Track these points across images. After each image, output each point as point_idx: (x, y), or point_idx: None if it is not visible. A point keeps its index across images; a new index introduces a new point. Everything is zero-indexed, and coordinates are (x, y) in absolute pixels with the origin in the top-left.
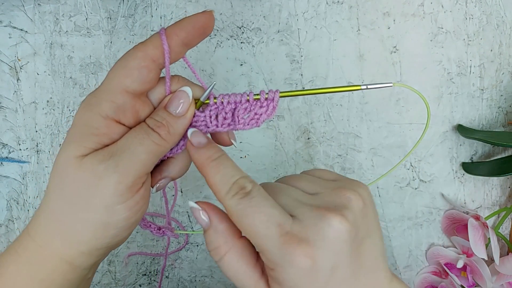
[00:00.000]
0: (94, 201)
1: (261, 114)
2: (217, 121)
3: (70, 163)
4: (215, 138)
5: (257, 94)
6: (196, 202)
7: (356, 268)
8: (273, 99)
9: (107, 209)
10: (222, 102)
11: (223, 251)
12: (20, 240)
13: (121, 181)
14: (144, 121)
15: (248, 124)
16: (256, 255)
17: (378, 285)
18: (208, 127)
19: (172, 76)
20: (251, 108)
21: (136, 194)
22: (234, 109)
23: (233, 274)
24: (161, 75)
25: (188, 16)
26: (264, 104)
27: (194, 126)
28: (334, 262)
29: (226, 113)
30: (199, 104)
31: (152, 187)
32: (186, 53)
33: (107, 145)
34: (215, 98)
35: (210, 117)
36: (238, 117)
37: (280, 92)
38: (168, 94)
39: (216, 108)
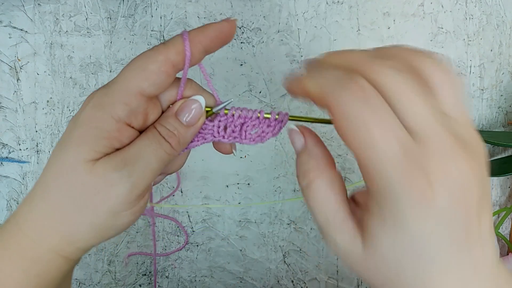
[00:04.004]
0: (102, 206)
1: (267, 133)
2: (225, 132)
3: (81, 166)
4: (217, 146)
5: (268, 113)
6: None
7: (470, 233)
8: (281, 121)
9: (113, 214)
10: (233, 115)
11: (313, 176)
12: (9, 234)
13: (133, 191)
14: (153, 125)
15: (253, 140)
16: (345, 193)
17: (488, 263)
18: (215, 137)
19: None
20: (259, 125)
21: (141, 200)
22: (243, 123)
23: (317, 203)
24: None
25: (213, 23)
26: (273, 124)
27: (201, 133)
28: (451, 209)
29: (235, 126)
30: (210, 114)
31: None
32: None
33: (117, 149)
34: (226, 109)
35: (219, 127)
36: (245, 131)
37: (290, 116)
38: (180, 99)
39: (225, 119)
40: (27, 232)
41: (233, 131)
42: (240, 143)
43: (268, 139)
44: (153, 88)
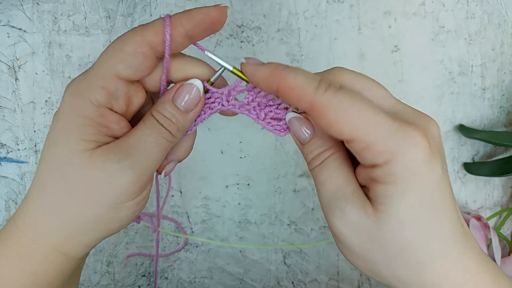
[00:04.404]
0: (104, 198)
1: (276, 129)
2: (236, 101)
3: (76, 157)
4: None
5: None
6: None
7: (449, 179)
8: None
9: (116, 206)
10: (253, 89)
11: (327, 153)
12: (7, 232)
13: (135, 181)
14: (150, 112)
15: (269, 123)
16: (353, 169)
17: (460, 225)
18: (223, 105)
19: (174, 55)
20: (276, 115)
21: (145, 190)
22: (264, 106)
23: (330, 176)
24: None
25: (199, 7)
26: (284, 125)
27: (206, 104)
28: (442, 159)
29: (252, 99)
30: (210, 84)
31: (160, 173)
32: (189, 45)
33: (111, 136)
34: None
35: (229, 95)
36: (260, 109)
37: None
38: (164, 87)
39: (237, 88)
40: (24, 230)
41: (247, 104)
42: (254, 119)
43: (274, 130)
44: (129, 70)
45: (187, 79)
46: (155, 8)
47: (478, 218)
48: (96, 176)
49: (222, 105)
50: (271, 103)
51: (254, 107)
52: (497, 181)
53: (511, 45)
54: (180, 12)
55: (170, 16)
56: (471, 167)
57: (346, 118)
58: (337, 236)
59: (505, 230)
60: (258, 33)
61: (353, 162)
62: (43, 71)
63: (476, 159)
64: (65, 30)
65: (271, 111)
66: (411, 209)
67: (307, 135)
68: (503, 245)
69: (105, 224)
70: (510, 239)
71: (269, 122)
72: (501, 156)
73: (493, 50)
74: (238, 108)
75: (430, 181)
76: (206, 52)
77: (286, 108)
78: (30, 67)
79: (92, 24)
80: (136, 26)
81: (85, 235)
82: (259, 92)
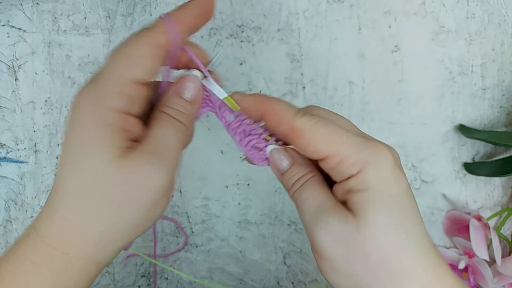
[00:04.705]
0: (141, 201)
1: (255, 157)
2: (219, 110)
3: (109, 167)
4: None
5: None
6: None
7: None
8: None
9: (153, 206)
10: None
11: (308, 176)
12: (35, 249)
13: (166, 180)
14: (160, 110)
15: (246, 147)
16: (330, 190)
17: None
18: (210, 106)
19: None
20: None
21: (172, 185)
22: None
23: (311, 194)
24: None
25: (191, 1)
26: (262, 155)
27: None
28: (404, 177)
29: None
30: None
31: None
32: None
33: (132, 140)
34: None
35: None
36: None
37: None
38: (167, 84)
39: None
40: (56, 246)
41: (235, 128)
42: (237, 144)
43: (258, 162)
44: (146, 73)
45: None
46: (155, 8)
47: (478, 218)
48: (132, 181)
49: (216, 112)
50: (253, 132)
51: (239, 133)
52: (497, 181)
53: (511, 45)
54: (177, 8)
55: (169, 15)
56: (471, 167)
57: (321, 136)
58: (321, 251)
59: (505, 230)
60: (258, 33)
61: (329, 184)
62: (43, 71)
63: (476, 159)
64: (65, 30)
65: (253, 139)
66: (386, 213)
67: (286, 165)
68: (503, 245)
69: (141, 226)
70: (510, 239)
71: (249, 150)
72: (501, 156)
73: (493, 50)
74: (227, 126)
75: (399, 188)
76: (208, 79)
77: (266, 140)
78: (29, 67)
79: (92, 24)
80: (139, 29)
81: (121, 241)
82: (244, 120)
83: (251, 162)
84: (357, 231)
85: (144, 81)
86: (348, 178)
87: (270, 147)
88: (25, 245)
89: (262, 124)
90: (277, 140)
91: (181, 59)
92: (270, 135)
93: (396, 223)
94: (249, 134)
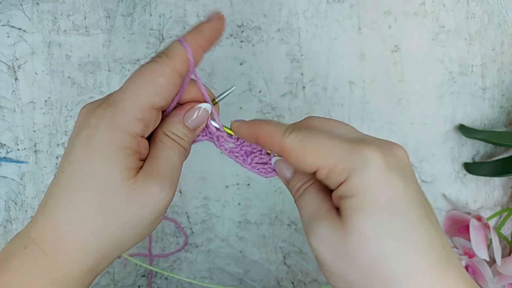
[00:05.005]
0: (148, 218)
1: (262, 172)
2: (217, 140)
3: (121, 187)
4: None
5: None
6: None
7: (425, 205)
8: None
9: (154, 221)
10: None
11: (308, 184)
12: (35, 261)
13: (169, 199)
14: (165, 133)
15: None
16: (330, 196)
17: (439, 231)
18: (211, 138)
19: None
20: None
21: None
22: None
23: (309, 200)
24: None
25: (204, 23)
26: (268, 168)
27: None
28: (404, 176)
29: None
30: (214, 103)
31: None
32: None
33: (140, 160)
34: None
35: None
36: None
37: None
38: (174, 106)
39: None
40: (57, 259)
41: (236, 152)
42: (240, 164)
43: (266, 175)
44: (164, 101)
45: (192, 101)
46: (155, 8)
47: (478, 218)
48: (142, 200)
49: (215, 142)
50: (255, 150)
51: (241, 154)
52: (497, 181)
53: (511, 45)
54: (191, 32)
55: (185, 39)
56: (471, 167)
57: (307, 151)
58: (316, 257)
59: (505, 230)
60: (258, 33)
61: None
62: (43, 71)
63: (476, 159)
64: (65, 30)
65: (256, 157)
66: (372, 220)
67: (289, 174)
68: (503, 245)
69: (140, 238)
70: (510, 239)
71: (254, 166)
72: (501, 156)
73: (493, 50)
74: (228, 153)
75: (390, 192)
76: (211, 121)
77: (268, 154)
78: (29, 67)
79: (91, 24)
80: (158, 54)
81: (119, 252)
82: (244, 143)
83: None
84: (344, 238)
85: (163, 108)
86: (339, 185)
87: (274, 159)
88: (23, 257)
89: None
90: None
91: (189, 91)
92: None
93: (383, 231)
94: (252, 153)
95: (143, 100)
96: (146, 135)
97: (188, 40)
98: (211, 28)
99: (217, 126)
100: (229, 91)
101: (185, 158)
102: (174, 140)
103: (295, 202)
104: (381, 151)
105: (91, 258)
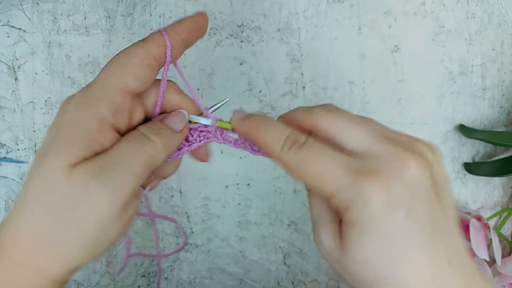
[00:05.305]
0: (86, 219)
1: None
2: (224, 136)
3: (58, 174)
4: (193, 153)
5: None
6: None
7: (435, 224)
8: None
9: (100, 228)
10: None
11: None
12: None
13: (115, 199)
14: (136, 128)
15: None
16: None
17: (459, 253)
18: (217, 139)
19: (171, 88)
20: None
21: (130, 209)
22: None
23: (316, 204)
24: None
25: (187, 17)
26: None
27: (203, 132)
28: (411, 204)
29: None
30: (201, 115)
31: (144, 188)
32: (181, 56)
33: (98, 154)
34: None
35: (222, 133)
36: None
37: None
38: (161, 100)
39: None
40: (11, 255)
41: (242, 142)
42: (250, 152)
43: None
44: (137, 83)
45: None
46: (155, 8)
47: (478, 218)
48: (76, 194)
49: (217, 138)
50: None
51: (248, 144)
52: (497, 181)
53: (511, 45)
54: (173, 23)
55: (164, 29)
56: (471, 167)
57: (307, 174)
58: (320, 250)
59: (505, 230)
60: (258, 33)
61: None
62: (43, 71)
63: (476, 159)
64: (65, 30)
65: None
66: (367, 252)
67: None
68: (503, 245)
69: (91, 248)
70: (510, 239)
71: (248, 145)
72: (501, 156)
73: (493, 50)
74: (233, 144)
75: (389, 226)
76: (208, 111)
77: None
78: (29, 67)
79: (91, 24)
80: (135, 41)
81: (70, 261)
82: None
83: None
84: (342, 258)
85: (136, 91)
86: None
87: None
88: None
89: None
90: None
91: (172, 103)
92: None
93: (378, 262)
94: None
95: (114, 80)
96: (119, 124)
97: (168, 29)
98: (192, 20)
99: (209, 123)
100: (222, 103)
101: (155, 161)
102: (141, 132)
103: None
104: (385, 184)
105: (41, 259)
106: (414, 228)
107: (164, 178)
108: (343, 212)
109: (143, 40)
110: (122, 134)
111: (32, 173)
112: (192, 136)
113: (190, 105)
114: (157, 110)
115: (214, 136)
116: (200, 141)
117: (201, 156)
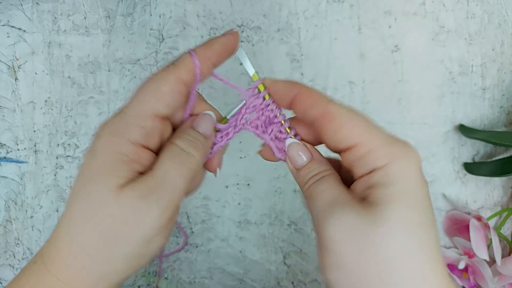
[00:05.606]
0: (133, 235)
1: (278, 147)
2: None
3: (107, 196)
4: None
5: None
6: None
7: (433, 221)
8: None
9: (146, 242)
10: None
11: (327, 172)
12: (37, 277)
13: (162, 216)
14: (171, 141)
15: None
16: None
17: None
18: (236, 126)
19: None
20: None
21: (172, 222)
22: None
23: (329, 188)
24: None
25: (217, 37)
26: (282, 147)
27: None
28: (426, 183)
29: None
30: (224, 121)
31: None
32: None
33: (139, 172)
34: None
35: (241, 119)
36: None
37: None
38: (189, 114)
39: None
40: (56, 275)
41: (257, 119)
42: (258, 135)
43: (278, 153)
44: (167, 108)
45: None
46: (155, 8)
47: (478, 218)
48: (125, 214)
49: (235, 126)
50: (275, 120)
51: (263, 121)
52: (497, 181)
53: (511, 45)
54: (202, 45)
55: (194, 51)
56: (471, 167)
57: (354, 123)
58: (329, 245)
59: (505, 230)
60: (258, 33)
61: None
62: (43, 71)
63: (476, 159)
64: (65, 30)
65: (274, 128)
66: (409, 210)
67: (303, 160)
68: (503, 245)
69: (135, 261)
70: (510, 239)
71: (273, 139)
72: (501, 156)
73: (493, 50)
74: (249, 125)
75: (422, 190)
76: (237, 54)
77: (287, 132)
78: (29, 67)
79: (91, 24)
80: (166, 65)
81: (116, 275)
82: (268, 106)
83: (265, 157)
84: (374, 227)
85: (166, 116)
86: (372, 171)
87: (289, 140)
88: (30, 272)
89: (282, 117)
90: (295, 135)
91: (197, 110)
92: (290, 128)
93: (416, 224)
94: (271, 123)
95: (144, 107)
96: (151, 145)
97: (198, 52)
98: (222, 42)
99: (250, 72)
100: (239, 106)
101: (195, 173)
102: (179, 146)
103: (304, 191)
104: (417, 152)
105: (87, 278)
106: (431, 203)
107: (192, 192)
108: (378, 171)
109: (173, 63)
110: (155, 149)
111: (78, 195)
112: (215, 137)
113: (214, 111)
114: (186, 117)
115: (232, 131)
116: (222, 140)
117: (214, 164)
